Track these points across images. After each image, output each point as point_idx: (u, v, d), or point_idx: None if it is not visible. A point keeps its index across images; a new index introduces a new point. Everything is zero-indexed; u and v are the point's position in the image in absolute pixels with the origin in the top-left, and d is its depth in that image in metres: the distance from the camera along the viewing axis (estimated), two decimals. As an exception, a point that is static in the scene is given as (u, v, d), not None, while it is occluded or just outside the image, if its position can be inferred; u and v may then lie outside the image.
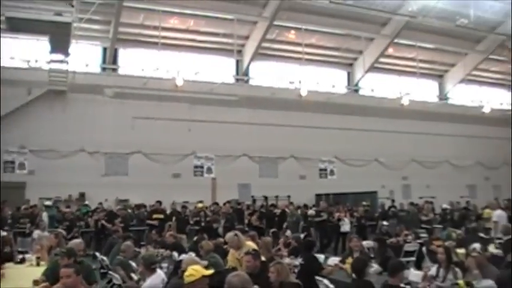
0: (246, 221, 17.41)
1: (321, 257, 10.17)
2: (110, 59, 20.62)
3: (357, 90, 25.02)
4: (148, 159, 19.38)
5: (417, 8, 21.54)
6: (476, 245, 7.62)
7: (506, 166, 27.69)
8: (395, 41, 23.49)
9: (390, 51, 24.55)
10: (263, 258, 7.27)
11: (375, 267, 8.52)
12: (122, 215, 16.28)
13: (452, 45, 25.18)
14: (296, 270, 8.26)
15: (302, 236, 13.70)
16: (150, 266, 6.82)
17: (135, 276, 7.79)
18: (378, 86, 24.98)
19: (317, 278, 7.90)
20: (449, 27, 22.56)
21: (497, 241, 11.71)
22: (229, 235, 8.35)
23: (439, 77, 28.20)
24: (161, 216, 16.39)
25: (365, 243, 11.87)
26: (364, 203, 19.68)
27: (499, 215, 15.46)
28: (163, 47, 20.23)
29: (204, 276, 4.96)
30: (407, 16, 21.72)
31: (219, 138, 20.26)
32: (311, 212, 17.87)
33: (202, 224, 16.60)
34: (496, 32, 24.29)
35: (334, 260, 9.74)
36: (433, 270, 7.67)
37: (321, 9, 20.71)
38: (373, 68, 24.64)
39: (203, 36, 21.49)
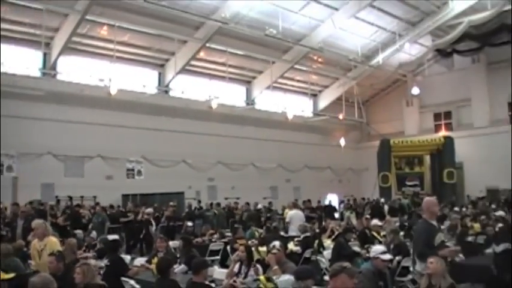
0: (49, 222, 17.59)
1: (127, 257, 10.75)
2: None
3: (167, 91, 25.88)
4: None
5: (230, 15, 22.73)
6: (276, 243, 8.55)
7: (306, 169, 30.94)
8: (207, 45, 24.68)
9: (202, 54, 25.77)
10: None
11: (180, 266, 9.19)
12: None
13: (261, 53, 27.07)
14: (102, 272, 8.51)
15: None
16: None
17: None
18: (188, 88, 26.13)
19: (123, 279, 8.34)
20: (259, 35, 24.10)
21: (296, 239, 13.47)
22: (37, 221, 8.67)
23: (247, 82, 30.17)
24: None
25: (172, 243, 12.92)
26: (171, 203, 20.66)
27: (293, 214, 16.92)
28: (-40, 33, 19.08)
29: (3, 280, 5.18)
30: (220, 22, 22.77)
31: (21, 134, 19.88)
32: (167, 213, 18.69)
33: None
34: (301, 44, 26.62)
35: (140, 261, 10.35)
36: (236, 267, 8.22)
37: (135, 7, 21.07)
38: (184, 70, 25.69)
39: (8, 24, 20.34)
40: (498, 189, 29.83)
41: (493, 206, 22.90)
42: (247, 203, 23.56)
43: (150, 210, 18.55)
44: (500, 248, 6.21)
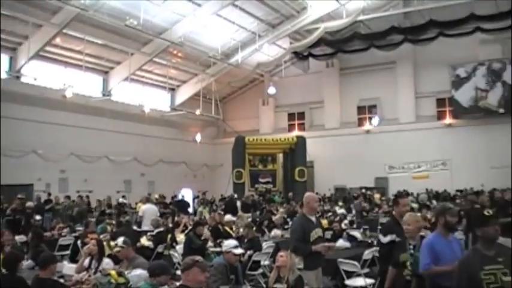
0: None
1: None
2: None
3: (18, 77, 24.73)
4: None
5: (89, 1, 22.29)
6: (120, 240, 8.27)
7: (162, 163, 31.25)
8: (64, 31, 23.98)
9: (58, 40, 25.03)
10: None
11: (27, 261, 9.01)
12: None
13: (120, 43, 26.80)
14: None
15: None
16: None
17: None
18: (42, 75, 25.17)
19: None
20: (118, 25, 23.89)
21: (149, 234, 13.41)
22: None
23: (105, 73, 29.73)
24: None
25: (18, 237, 12.58)
26: (19, 195, 20.11)
27: (145, 208, 16.98)
28: None
29: None
30: (79, 8, 22.08)
31: None
32: (13, 206, 17.81)
33: None
34: (162, 37, 26.76)
35: (-18, 257, 10.18)
36: (86, 262, 8.17)
37: (-13, -14, 20.04)
38: (38, 56, 24.82)
39: None
40: (345, 188, 32.09)
41: (340, 203, 24.53)
42: (80, 196, 23.44)
43: (30, 203, 18.01)
44: (387, 238, 6.96)
